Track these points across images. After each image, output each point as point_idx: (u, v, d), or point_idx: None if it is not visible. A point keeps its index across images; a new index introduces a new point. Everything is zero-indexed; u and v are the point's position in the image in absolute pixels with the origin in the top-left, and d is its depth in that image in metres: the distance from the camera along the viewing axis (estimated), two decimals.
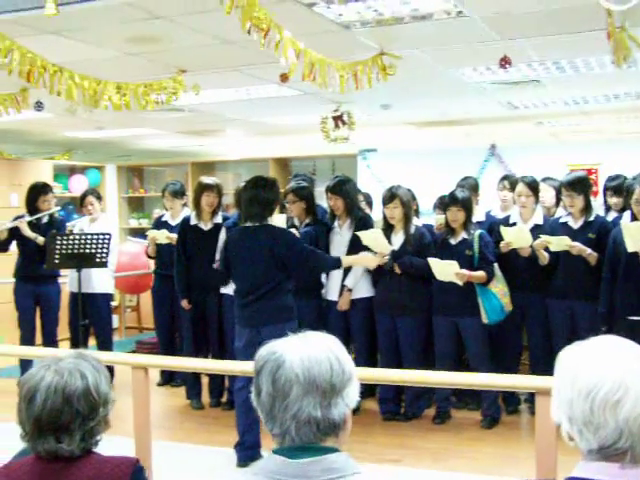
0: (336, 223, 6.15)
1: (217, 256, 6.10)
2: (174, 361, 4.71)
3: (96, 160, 11.30)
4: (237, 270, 5.11)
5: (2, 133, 9.34)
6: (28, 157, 10.58)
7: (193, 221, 6.36)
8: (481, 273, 5.63)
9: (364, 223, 6.04)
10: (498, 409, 5.88)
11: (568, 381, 1.57)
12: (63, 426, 2.04)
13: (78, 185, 10.20)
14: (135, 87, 5.05)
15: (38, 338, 7.21)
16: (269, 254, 4.90)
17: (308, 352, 1.71)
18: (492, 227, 6.05)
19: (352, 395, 1.75)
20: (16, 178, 9.29)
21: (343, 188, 6.05)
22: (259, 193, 4.98)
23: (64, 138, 9.95)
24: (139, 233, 10.30)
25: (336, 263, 5.34)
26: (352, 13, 4.11)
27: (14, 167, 9.62)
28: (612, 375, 1.49)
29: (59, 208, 7.50)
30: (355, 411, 5.53)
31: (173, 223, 6.94)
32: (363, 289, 6.09)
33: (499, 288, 5.74)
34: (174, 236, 6.56)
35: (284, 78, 4.95)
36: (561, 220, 5.81)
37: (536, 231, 5.76)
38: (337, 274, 6.07)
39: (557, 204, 6.41)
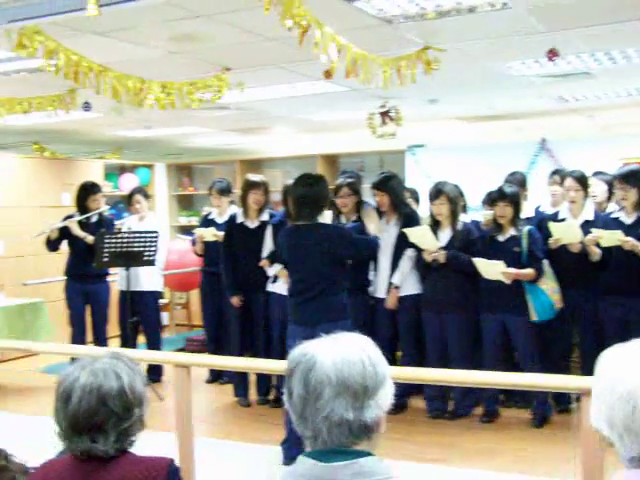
0: (382, 220, 6.09)
1: (264, 254, 6.12)
2: (217, 360, 4.72)
3: (146, 159, 11.42)
4: (291, 269, 5.11)
5: (54, 133, 9.51)
6: (80, 156, 10.73)
7: (240, 219, 6.36)
8: (529, 271, 5.52)
9: (410, 219, 5.98)
10: (549, 408, 5.77)
11: (608, 385, 1.51)
12: (98, 426, 2.04)
13: (128, 184, 10.29)
14: (180, 86, 5.07)
15: (89, 335, 7.31)
16: (323, 252, 4.88)
17: (340, 353, 1.68)
18: (541, 223, 5.93)
19: (385, 397, 1.72)
20: (68, 177, 9.42)
21: (389, 184, 6.00)
22: (308, 191, 4.95)
23: (114, 137, 10.08)
24: (188, 231, 10.36)
25: (375, 241, 5.37)
26: (394, 7, 4.05)
27: (66, 167, 9.76)
28: None
29: (108, 207, 7.59)
30: (401, 409, 5.50)
31: (220, 221, 6.95)
32: (410, 286, 6.02)
33: (549, 285, 5.63)
34: (221, 234, 6.57)
35: (328, 75, 4.90)
36: (613, 215, 5.67)
37: (586, 227, 5.63)
38: (385, 270, 6.03)
39: (609, 199, 6.26)
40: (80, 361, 2.16)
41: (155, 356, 4.91)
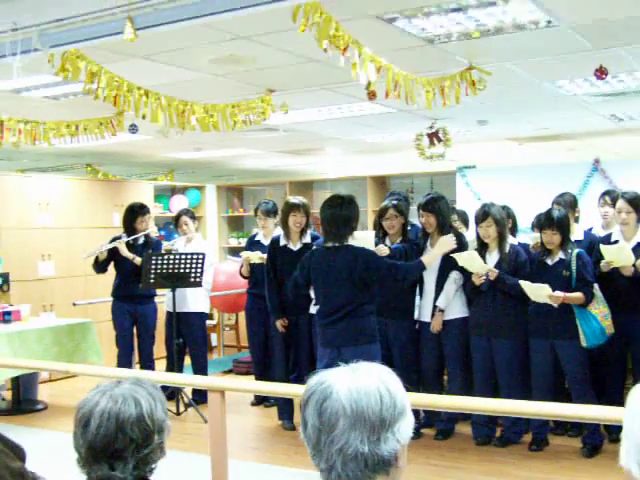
0: (428, 242, 6.00)
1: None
2: (251, 384, 4.67)
3: (198, 181, 11.50)
4: (319, 291, 5.09)
5: (106, 156, 9.66)
6: (132, 179, 10.86)
7: (282, 241, 6.34)
8: (578, 294, 5.37)
9: (457, 242, 5.87)
10: (600, 436, 5.58)
11: (638, 422, 1.41)
12: (116, 453, 2.00)
13: (179, 205, 10.36)
14: (223, 107, 5.08)
15: (136, 356, 7.34)
16: (349, 275, 4.84)
17: (357, 383, 1.62)
18: (592, 245, 5.78)
19: (404, 430, 1.64)
20: (118, 199, 9.54)
21: (436, 205, 5.90)
22: (336, 212, 4.92)
23: (165, 159, 10.19)
24: (238, 252, 10.37)
25: (419, 265, 5.22)
26: (435, 27, 3.99)
27: (117, 188, 9.88)
28: None
29: (155, 228, 7.63)
30: (448, 435, 5.36)
31: (266, 242, 6.93)
32: (456, 309, 5.91)
33: (599, 310, 5.46)
34: (266, 256, 6.56)
35: (371, 95, 4.87)
36: None
37: (639, 250, 5.46)
38: (430, 294, 5.93)
39: None
40: (101, 386, 2.13)
41: (188, 380, 4.87)
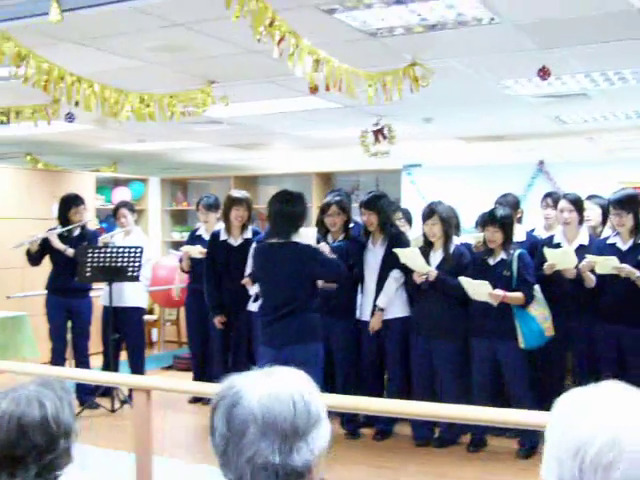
0: (370, 240, 5.94)
1: (246, 271, 5.96)
2: (179, 384, 4.54)
3: (142, 173, 11.29)
4: (262, 288, 4.99)
5: (47, 145, 9.39)
6: (75, 169, 10.60)
7: (222, 236, 6.22)
8: (518, 294, 5.36)
9: (398, 240, 5.82)
10: (536, 438, 5.56)
11: (557, 435, 1.33)
12: (18, 459, 1.88)
13: (121, 197, 10.13)
14: (160, 97, 4.92)
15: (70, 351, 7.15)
16: (294, 272, 4.75)
17: (269, 389, 1.51)
18: (534, 247, 5.77)
19: (319, 440, 1.53)
20: (58, 190, 9.23)
21: (377, 203, 5.84)
22: (284, 208, 4.82)
23: (108, 150, 9.96)
24: (181, 246, 10.22)
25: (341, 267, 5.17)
26: (377, 20, 3.91)
27: (57, 179, 9.63)
28: (605, 431, 1.23)
29: (95, 220, 7.43)
30: (387, 435, 5.30)
31: (208, 237, 6.80)
32: (397, 309, 5.85)
33: (539, 312, 5.45)
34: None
35: (313, 89, 4.76)
36: (609, 241, 5.51)
37: (581, 252, 5.47)
38: (371, 293, 5.86)
39: (604, 223, 6.09)
40: (5, 388, 2.00)
41: (112, 378, 4.73)
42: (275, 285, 4.83)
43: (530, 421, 3.50)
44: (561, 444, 1.30)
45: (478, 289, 5.35)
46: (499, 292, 5.29)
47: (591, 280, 5.38)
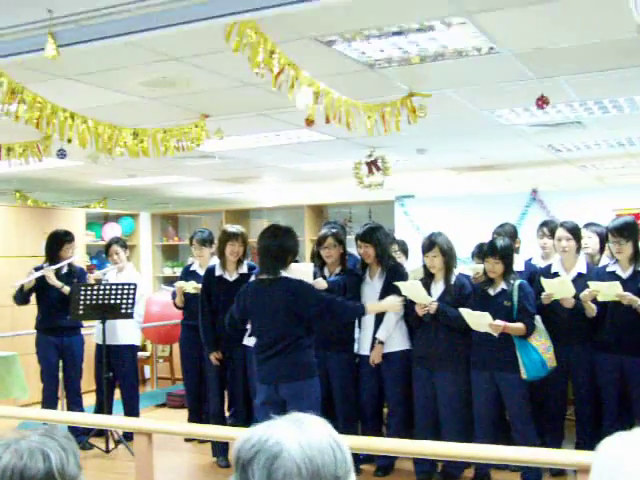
0: (367, 273, 5.86)
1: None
2: (179, 427, 4.44)
3: (132, 209, 11.21)
4: (254, 325, 4.90)
5: (37, 182, 9.32)
6: (65, 205, 10.52)
7: (218, 271, 6.13)
8: (519, 325, 5.28)
9: (396, 272, 5.75)
10: (539, 472, 5.46)
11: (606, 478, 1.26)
12: None
13: (111, 233, 10.07)
14: (154, 132, 4.86)
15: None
16: (285, 309, 4.65)
17: (308, 439, 1.42)
18: (533, 277, 5.71)
19: None
20: (48, 226, 9.08)
21: (374, 236, 5.77)
22: (271, 243, 4.73)
23: (98, 186, 9.89)
24: (173, 282, 10.11)
25: (360, 309, 5.10)
26: (375, 51, 3.87)
27: (47, 215, 9.54)
28: None
29: (83, 257, 7.31)
30: (388, 471, 5.18)
31: (202, 272, 6.70)
32: (397, 342, 5.76)
33: (541, 342, 5.38)
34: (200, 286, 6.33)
35: (309, 122, 4.71)
36: (608, 269, 5.46)
37: (579, 280, 5.42)
38: (369, 327, 5.78)
39: (601, 251, 6.05)
40: (5, 438, 1.89)
41: (113, 422, 4.61)
42: (268, 322, 4.73)
43: (535, 458, 3.44)
44: None
45: (479, 320, 5.28)
46: (500, 323, 5.22)
47: (592, 309, 5.33)
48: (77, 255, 7.29)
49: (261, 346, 4.80)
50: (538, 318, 5.44)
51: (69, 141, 4.27)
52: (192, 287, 6.59)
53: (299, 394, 4.62)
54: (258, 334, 4.84)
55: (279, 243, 4.73)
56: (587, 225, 6.24)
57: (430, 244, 5.60)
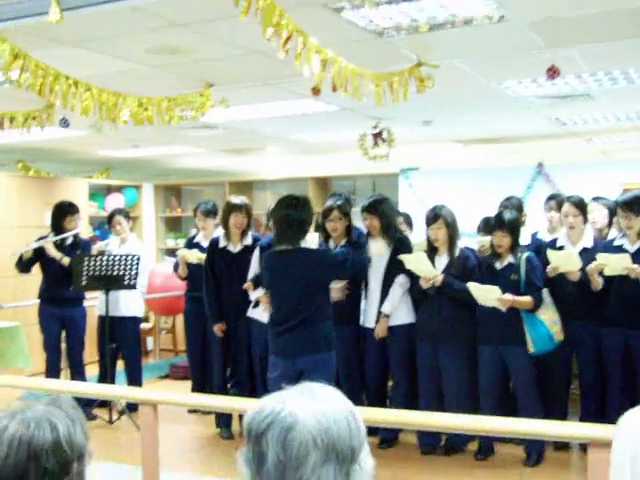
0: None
1: (249, 275, 5.82)
2: (184, 398, 4.43)
3: (135, 179, 11.15)
4: (272, 297, 4.85)
5: (39, 152, 9.26)
6: (67, 176, 10.46)
7: (222, 243, 6.09)
8: (527, 298, 5.25)
9: (402, 245, 5.70)
10: (542, 444, 5.45)
11: (628, 454, 1.23)
12: None
13: (114, 204, 10.00)
14: (158, 101, 4.80)
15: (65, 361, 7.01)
16: (305, 279, 4.62)
17: (322, 409, 1.39)
18: (539, 250, 5.67)
19: (368, 459, 1.43)
20: (51, 197, 9.09)
21: (379, 207, 5.73)
22: (291, 213, 4.69)
23: (101, 157, 9.84)
24: (176, 253, 10.09)
25: (366, 260, 5.28)
26: (384, 19, 3.80)
27: (49, 185, 9.48)
28: None
29: (81, 228, 7.26)
30: (392, 444, 5.16)
31: (205, 244, 6.65)
32: (402, 315, 5.73)
33: (548, 315, 5.34)
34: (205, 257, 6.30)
35: (315, 91, 4.65)
36: (615, 243, 5.41)
37: (585, 254, 5.37)
38: (375, 300, 5.74)
39: (609, 225, 6.00)
40: (11, 408, 1.86)
41: (120, 392, 4.59)
42: (286, 294, 4.70)
43: (540, 431, 3.41)
44: (634, 464, 1.19)
45: (486, 294, 5.24)
46: (508, 296, 5.18)
47: (598, 283, 5.29)
48: (83, 227, 7.24)
49: (278, 318, 4.76)
50: (545, 291, 5.40)
51: (72, 109, 4.21)
52: (195, 256, 6.54)
53: (318, 367, 4.60)
54: (275, 306, 4.81)
55: (298, 213, 4.70)
56: (595, 199, 6.18)
57: (434, 216, 5.55)
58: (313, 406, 1.39)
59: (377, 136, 7.15)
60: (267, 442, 1.37)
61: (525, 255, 5.36)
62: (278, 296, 4.77)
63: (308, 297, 4.64)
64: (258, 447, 1.39)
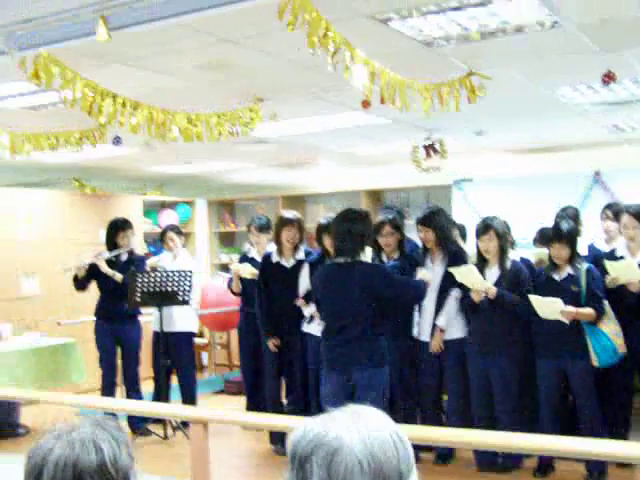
0: (428, 258, 5.73)
1: (300, 292, 5.81)
2: (235, 416, 4.38)
3: (188, 195, 11.24)
4: (326, 309, 4.83)
5: (94, 170, 9.40)
6: (121, 193, 10.58)
7: (275, 258, 6.07)
8: (589, 310, 5.09)
9: (457, 257, 5.60)
10: (604, 461, 5.28)
11: None
12: None
13: (168, 220, 10.10)
14: (207, 117, 4.80)
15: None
16: (362, 292, 4.60)
17: (369, 432, 1.33)
18: (597, 260, 5.52)
19: None
20: (106, 214, 9.20)
21: (434, 219, 5.64)
22: (351, 227, 4.67)
23: (154, 173, 9.94)
24: (229, 268, 10.12)
25: (422, 284, 5.05)
26: (434, 28, 3.74)
27: (104, 203, 9.61)
28: None
29: (135, 245, 7.31)
30: (448, 459, 5.06)
31: (259, 259, 6.64)
32: (456, 329, 5.63)
33: (610, 327, 5.19)
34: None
35: (365, 104, 4.61)
36: None
37: None
38: (429, 313, 5.66)
39: None
40: (56, 429, 1.84)
41: (171, 410, 4.58)
42: (341, 307, 4.67)
43: (605, 452, 3.25)
44: None
45: (548, 307, 5.09)
46: (571, 309, 5.04)
47: None
48: (138, 244, 7.30)
49: (331, 331, 4.74)
50: (606, 303, 5.25)
51: (121, 125, 4.23)
52: (248, 271, 6.52)
53: (371, 381, 4.56)
54: (328, 319, 4.78)
55: (358, 227, 4.70)
56: None
57: (485, 227, 5.46)
58: (359, 428, 1.33)
59: (429, 148, 7.08)
60: (312, 466, 1.32)
61: (585, 266, 5.22)
62: (332, 309, 4.75)
63: (363, 311, 4.61)
64: (302, 472, 1.34)
